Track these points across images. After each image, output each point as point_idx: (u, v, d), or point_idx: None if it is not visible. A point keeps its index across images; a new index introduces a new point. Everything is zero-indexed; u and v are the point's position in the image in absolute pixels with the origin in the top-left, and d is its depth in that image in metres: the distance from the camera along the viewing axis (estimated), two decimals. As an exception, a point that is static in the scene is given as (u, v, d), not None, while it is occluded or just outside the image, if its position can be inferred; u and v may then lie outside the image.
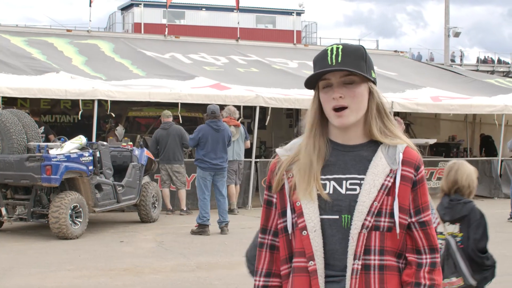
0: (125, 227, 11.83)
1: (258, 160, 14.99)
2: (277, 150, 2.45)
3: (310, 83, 2.35)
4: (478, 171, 17.30)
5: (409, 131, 20.27)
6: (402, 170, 2.29)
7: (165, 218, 12.87)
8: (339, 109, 2.29)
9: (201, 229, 11.02)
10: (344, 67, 2.27)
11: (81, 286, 7.64)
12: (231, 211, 13.33)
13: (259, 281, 2.43)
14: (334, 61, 2.29)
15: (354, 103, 2.29)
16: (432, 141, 18.66)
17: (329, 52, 2.31)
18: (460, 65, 41.76)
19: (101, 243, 10.28)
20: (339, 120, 2.29)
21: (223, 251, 9.72)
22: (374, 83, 2.36)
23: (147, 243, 10.44)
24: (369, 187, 2.27)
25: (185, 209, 13.42)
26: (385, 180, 2.27)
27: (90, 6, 20.10)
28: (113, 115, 14.06)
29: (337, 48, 2.31)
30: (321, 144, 2.34)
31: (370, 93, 2.34)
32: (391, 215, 2.26)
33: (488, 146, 19.67)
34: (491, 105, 17.11)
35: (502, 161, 17.32)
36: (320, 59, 2.33)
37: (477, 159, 18.17)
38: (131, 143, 12.96)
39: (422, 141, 18.24)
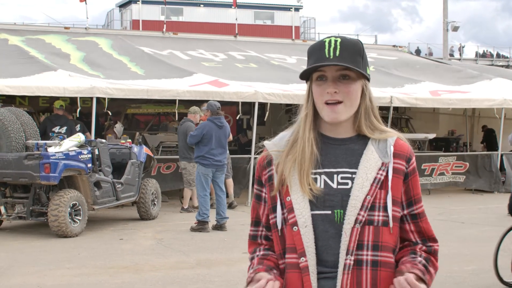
0: (125, 225, 11.81)
1: (257, 156, 14.92)
2: (265, 142, 2.40)
3: (305, 75, 2.29)
4: (478, 166, 17.15)
5: (408, 126, 20.23)
6: (393, 162, 2.27)
7: (165, 215, 12.84)
8: (332, 103, 2.24)
9: (201, 226, 10.99)
10: (342, 62, 2.20)
11: (80, 284, 7.61)
12: (229, 204, 13.31)
13: (258, 254, 2.37)
14: (331, 54, 2.22)
15: (348, 99, 2.24)
16: (431, 135, 18.58)
17: (326, 44, 2.24)
18: (459, 59, 41.78)
19: (100, 241, 10.26)
20: (332, 115, 2.24)
21: (222, 248, 9.69)
22: (368, 80, 2.31)
23: (146, 240, 10.42)
24: (362, 181, 2.23)
25: (185, 207, 13.36)
26: (378, 174, 2.24)
27: (86, 3, 20.05)
28: (110, 113, 14.00)
29: (335, 41, 2.24)
30: (314, 139, 2.29)
31: (363, 90, 2.29)
32: (385, 208, 2.23)
33: (490, 140, 19.60)
34: (490, 99, 17.03)
35: (502, 155, 17.29)
36: (317, 51, 2.25)
37: (476, 153, 18.14)
38: (130, 140, 12.92)
39: (421, 136, 18.19)
